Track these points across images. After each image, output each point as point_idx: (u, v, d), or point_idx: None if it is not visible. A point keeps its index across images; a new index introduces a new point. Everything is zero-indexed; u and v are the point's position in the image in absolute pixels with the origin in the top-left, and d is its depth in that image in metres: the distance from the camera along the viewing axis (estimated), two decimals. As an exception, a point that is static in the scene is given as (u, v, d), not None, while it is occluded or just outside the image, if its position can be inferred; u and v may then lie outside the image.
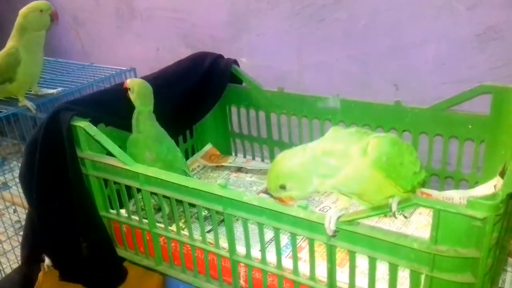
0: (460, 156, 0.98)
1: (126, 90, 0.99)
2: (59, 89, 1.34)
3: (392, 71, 1.23)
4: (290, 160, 0.67)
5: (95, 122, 0.94)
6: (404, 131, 1.03)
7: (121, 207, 0.97)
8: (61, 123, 0.90)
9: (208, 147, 1.33)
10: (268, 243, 0.89)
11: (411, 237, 0.61)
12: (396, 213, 0.61)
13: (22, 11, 1.21)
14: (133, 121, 1.00)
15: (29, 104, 1.25)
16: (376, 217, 0.95)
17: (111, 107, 1.02)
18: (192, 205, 0.84)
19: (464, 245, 0.58)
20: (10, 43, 1.23)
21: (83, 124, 0.91)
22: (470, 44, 1.11)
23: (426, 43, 1.17)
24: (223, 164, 1.28)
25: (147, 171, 0.85)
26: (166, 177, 0.83)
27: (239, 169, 1.25)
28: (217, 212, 0.81)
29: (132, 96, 0.99)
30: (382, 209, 0.63)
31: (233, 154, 1.33)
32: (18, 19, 1.22)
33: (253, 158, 1.30)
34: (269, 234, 0.89)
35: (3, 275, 1.25)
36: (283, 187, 0.67)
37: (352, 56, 1.29)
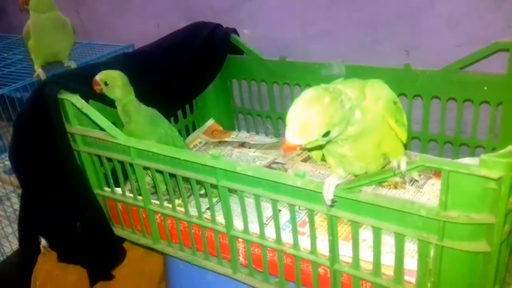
0: (476, 121, 0.91)
1: (96, 86, 0.89)
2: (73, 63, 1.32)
3: (403, 36, 1.15)
4: (334, 101, 0.52)
5: (85, 98, 0.90)
6: (415, 96, 0.97)
7: (119, 185, 0.92)
8: (48, 97, 0.85)
9: (210, 122, 1.28)
10: (270, 218, 0.84)
11: (418, 204, 0.55)
12: (405, 173, 0.55)
13: None
14: (121, 114, 0.92)
15: (40, 71, 1.25)
16: (386, 189, 0.89)
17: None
18: (186, 180, 0.79)
19: (478, 210, 0.52)
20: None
21: (70, 97, 0.86)
22: (485, 2, 1.02)
23: (438, 3, 1.08)
24: (225, 139, 1.23)
25: (137, 144, 0.80)
26: (157, 149, 0.78)
27: (242, 144, 1.20)
28: (212, 186, 0.76)
29: (111, 90, 0.90)
30: (388, 173, 0.57)
31: (236, 129, 1.28)
32: None
33: (257, 133, 1.25)
34: (271, 210, 0.83)
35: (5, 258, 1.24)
36: (327, 134, 0.54)
37: (359, 22, 1.21)
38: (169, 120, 1.12)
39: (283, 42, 1.34)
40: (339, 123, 0.52)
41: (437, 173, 0.91)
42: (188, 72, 1.12)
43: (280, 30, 1.35)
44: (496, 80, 0.87)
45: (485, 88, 0.88)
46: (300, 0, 1.28)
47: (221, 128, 1.28)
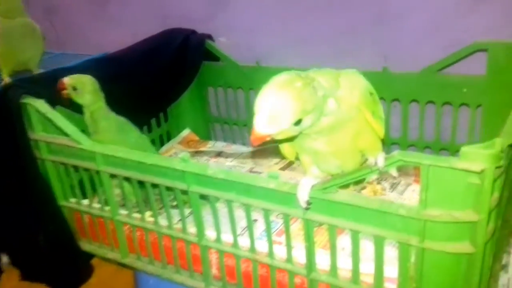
0: (455, 124, 0.89)
1: (62, 90, 0.84)
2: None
3: (382, 41, 1.14)
4: (306, 86, 0.48)
5: (52, 103, 0.85)
6: (393, 100, 0.94)
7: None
8: (10, 101, 0.81)
9: (186, 132, 1.24)
10: (246, 229, 0.79)
11: (397, 203, 0.52)
12: (383, 170, 0.52)
13: None
14: (88, 121, 0.87)
15: (7, 80, 1.15)
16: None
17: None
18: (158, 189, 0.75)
19: (460, 207, 0.48)
20: None
21: (34, 102, 0.81)
22: (462, 5, 1.01)
23: (416, 8, 1.07)
24: (201, 149, 1.18)
25: (103, 149, 0.76)
26: (124, 154, 0.74)
27: (219, 154, 1.16)
28: (183, 192, 0.71)
29: (79, 95, 0.85)
30: (366, 170, 0.53)
31: (213, 139, 1.24)
32: None
33: (234, 143, 1.21)
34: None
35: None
36: (298, 122, 0.49)
37: (337, 28, 1.19)
38: (142, 129, 1.08)
39: (261, 50, 1.32)
40: (312, 111, 0.48)
41: (417, 178, 0.89)
42: (161, 79, 1.09)
43: (258, 38, 1.32)
44: (475, 81, 0.85)
45: (464, 90, 0.86)
46: (278, 7, 1.26)
47: (197, 138, 1.24)
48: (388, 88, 0.93)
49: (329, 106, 0.51)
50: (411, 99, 0.92)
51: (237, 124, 1.19)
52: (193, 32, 1.16)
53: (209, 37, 1.16)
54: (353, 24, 1.17)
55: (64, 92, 0.85)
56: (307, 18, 1.23)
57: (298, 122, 0.48)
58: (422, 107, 0.91)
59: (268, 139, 0.49)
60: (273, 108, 0.47)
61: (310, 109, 0.48)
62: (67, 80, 0.84)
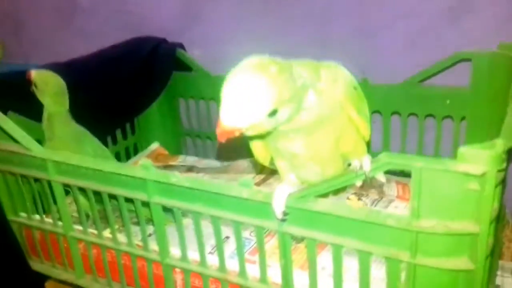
0: (439, 138, 0.85)
1: (29, 81, 0.78)
2: None
3: (359, 55, 1.10)
4: (283, 71, 0.42)
5: (3, 110, 0.77)
6: (373, 112, 0.90)
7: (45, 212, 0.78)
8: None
9: (155, 146, 1.16)
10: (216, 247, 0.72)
11: (385, 212, 0.46)
12: (369, 174, 0.46)
13: None
14: (45, 124, 0.79)
15: None
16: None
17: (25, 91, 0.84)
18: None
19: (457, 217, 0.43)
20: None
21: (-22, 106, 0.73)
22: (443, 18, 0.99)
23: (394, 20, 1.04)
24: (171, 163, 1.11)
25: (55, 156, 0.68)
26: (78, 161, 0.66)
27: (190, 169, 1.08)
28: (144, 204, 0.64)
29: (39, 93, 0.78)
30: (350, 174, 0.47)
31: (184, 153, 1.17)
32: None
33: (206, 157, 1.14)
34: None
35: None
36: (274, 113, 0.42)
37: (315, 42, 1.16)
38: (105, 140, 1.00)
39: (236, 62, 1.27)
40: (290, 101, 0.42)
41: (400, 195, 0.83)
42: (128, 88, 1.02)
43: (232, 50, 1.26)
44: (459, 93, 0.81)
45: (448, 101, 0.82)
46: (254, 19, 1.22)
47: (166, 152, 1.16)
48: (369, 100, 0.86)
49: (308, 98, 0.44)
50: (392, 111, 0.88)
51: (209, 138, 1.12)
52: (164, 40, 1.10)
53: (181, 46, 1.10)
54: (331, 36, 1.13)
55: (30, 86, 0.78)
56: (284, 30, 1.19)
57: (273, 114, 0.41)
58: (404, 119, 0.87)
59: (237, 134, 0.42)
60: (244, 95, 0.40)
61: (287, 99, 0.41)
62: (33, 74, 0.78)
